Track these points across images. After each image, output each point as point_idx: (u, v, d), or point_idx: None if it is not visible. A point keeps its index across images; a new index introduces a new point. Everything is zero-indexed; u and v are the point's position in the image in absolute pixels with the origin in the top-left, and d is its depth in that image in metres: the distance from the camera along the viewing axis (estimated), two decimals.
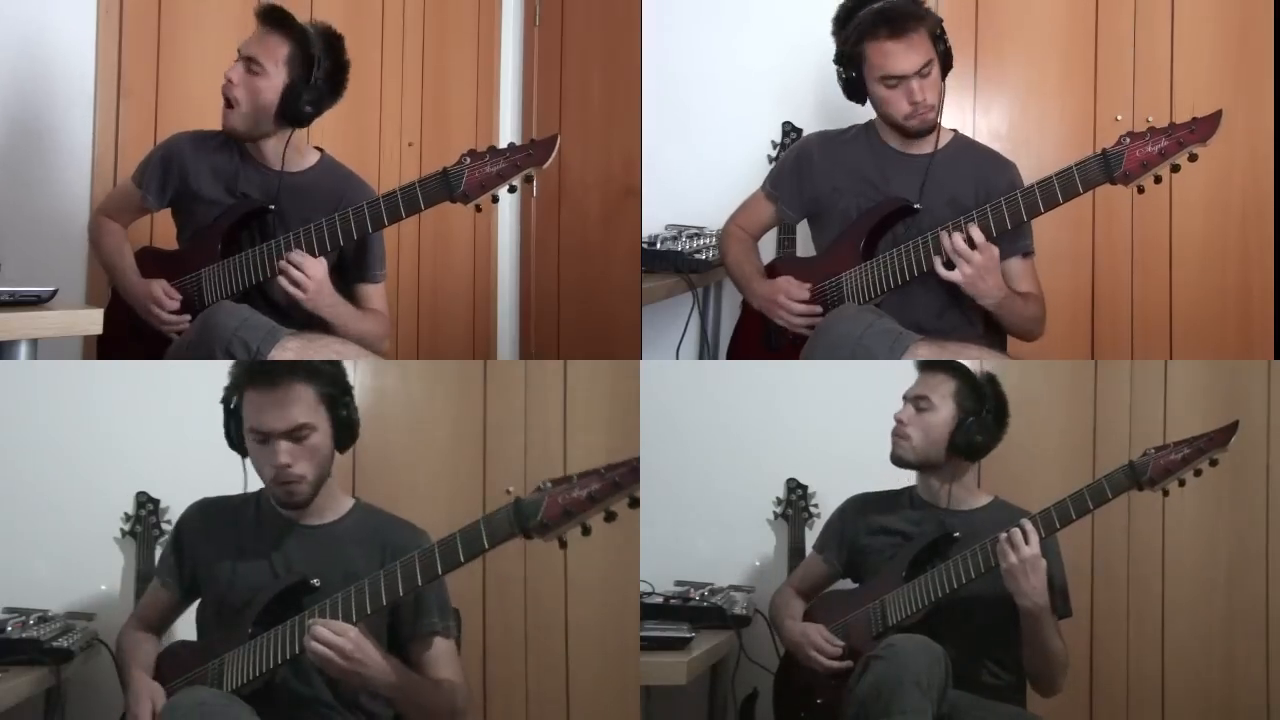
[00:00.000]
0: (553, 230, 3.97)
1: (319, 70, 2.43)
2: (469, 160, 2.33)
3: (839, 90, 2.52)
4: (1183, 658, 2.98)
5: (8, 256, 2.44)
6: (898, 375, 2.43)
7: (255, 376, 2.07)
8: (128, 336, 2.54)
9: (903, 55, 2.38)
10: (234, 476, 2.14)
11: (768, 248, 3.00)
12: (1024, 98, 3.42)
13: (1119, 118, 3.31)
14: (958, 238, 2.35)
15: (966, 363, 2.40)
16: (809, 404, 3.07)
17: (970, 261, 2.34)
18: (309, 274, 2.39)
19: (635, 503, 1.82)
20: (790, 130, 3.32)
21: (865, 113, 2.59)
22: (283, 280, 2.39)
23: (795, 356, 2.53)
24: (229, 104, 2.46)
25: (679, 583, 2.90)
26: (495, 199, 2.35)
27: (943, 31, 2.44)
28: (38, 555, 2.83)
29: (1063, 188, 2.31)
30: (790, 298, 2.54)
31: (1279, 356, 3.13)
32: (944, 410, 2.35)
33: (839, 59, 2.48)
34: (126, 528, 2.88)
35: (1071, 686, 2.36)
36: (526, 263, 4.06)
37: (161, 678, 2.07)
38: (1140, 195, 2.29)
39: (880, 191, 2.50)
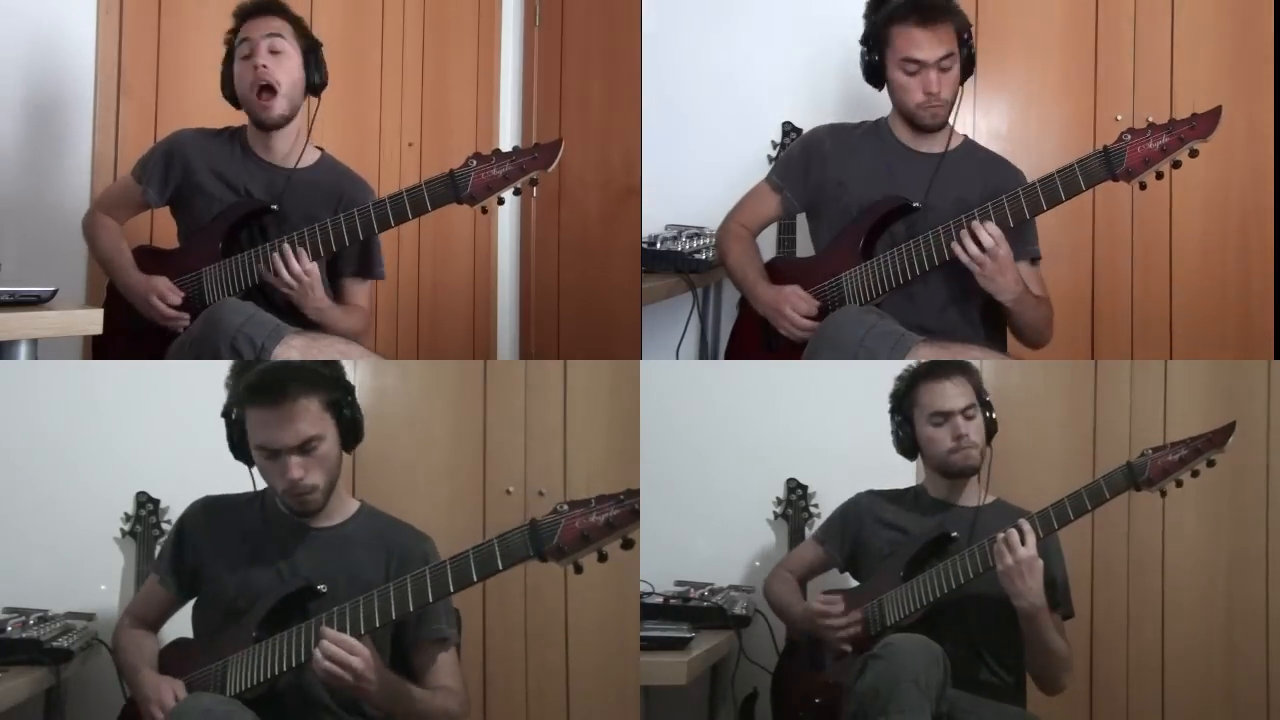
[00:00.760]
0: (553, 230, 3.97)
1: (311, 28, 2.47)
2: (475, 163, 2.33)
3: (839, 91, 2.52)
4: (1183, 658, 2.98)
5: (8, 256, 2.45)
6: (897, 375, 2.43)
7: (255, 394, 2.01)
8: (124, 335, 2.51)
9: (927, 43, 2.40)
10: (235, 476, 2.11)
11: (768, 248, 2.99)
12: (1024, 98, 3.42)
13: (1119, 118, 3.31)
14: (980, 231, 2.33)
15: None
16: (809, 404, 3.06)
17: (993, 256, 2.33)
18: (305, 271, 2.39)
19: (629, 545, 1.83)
20: (790, 130, 3.31)
21: (866, 113, 2.59)
22: (274, 277, 2.38)
23: (795, 356, 2.52)
24: (270, 91, 2.44)
25: (679, 583, 2.90)
26: (500, 201, 2.35)
27: (969, 35, 2.45)
28: (38, 555, 2.83)
29: (1065, 185, 2.31)
30: (797, 311, 2.51)
31: (1279, 356, 3.13)
32: (978, 411, 2.38)
33: (865, 39, 2.50)
34: (126, 528, 2.88)
35: (1072, 686, 2.36)
36: (526, 262, 4.05)
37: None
38: (1140, 195, 2.30)
39: (887, 186, 2.50)
